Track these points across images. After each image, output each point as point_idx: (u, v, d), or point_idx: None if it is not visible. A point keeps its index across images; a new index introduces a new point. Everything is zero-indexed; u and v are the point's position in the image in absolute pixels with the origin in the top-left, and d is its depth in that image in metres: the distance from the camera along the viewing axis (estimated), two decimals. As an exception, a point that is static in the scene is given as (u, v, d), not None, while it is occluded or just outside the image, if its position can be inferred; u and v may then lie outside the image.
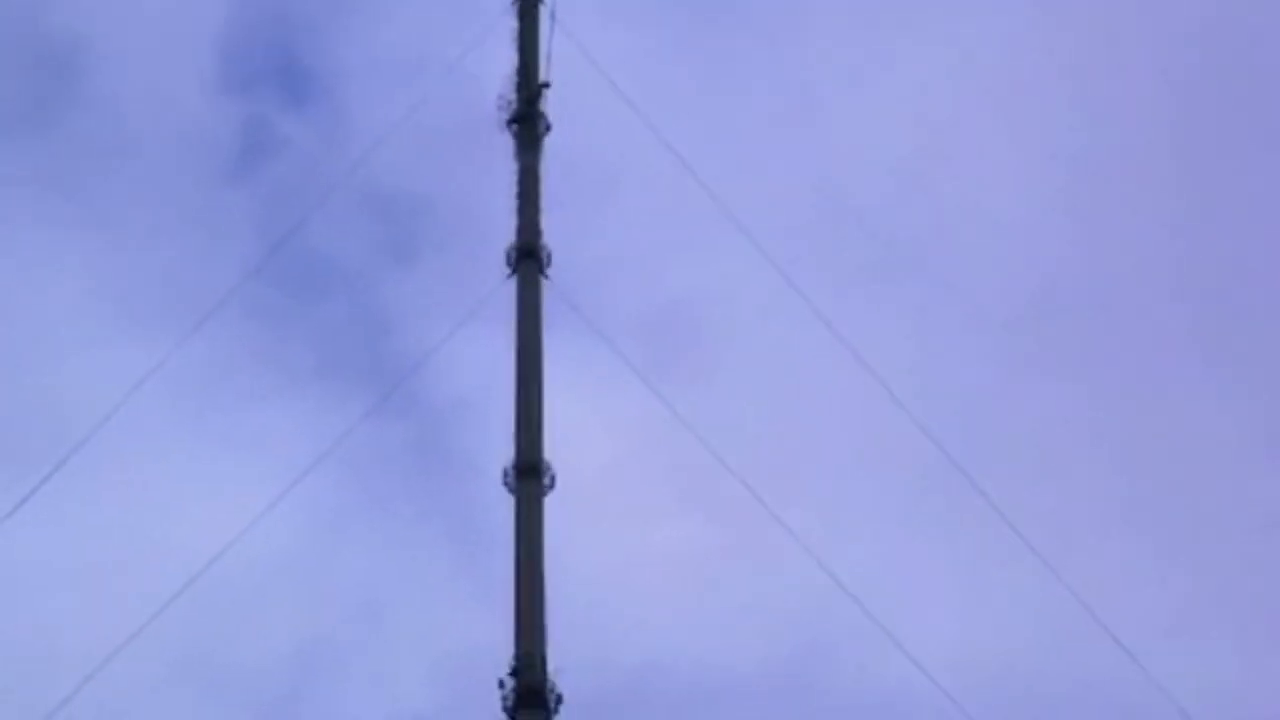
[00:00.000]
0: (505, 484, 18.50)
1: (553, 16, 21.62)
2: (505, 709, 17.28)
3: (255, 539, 20.39)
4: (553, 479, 18.50)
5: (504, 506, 18.61)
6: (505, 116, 21.22)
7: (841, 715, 24.57)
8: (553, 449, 18.87)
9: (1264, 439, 29.67)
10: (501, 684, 17.38)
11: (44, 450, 22.38)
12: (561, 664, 17.59)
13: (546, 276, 19.91)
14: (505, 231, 20.35)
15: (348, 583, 27.97)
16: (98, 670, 18.93)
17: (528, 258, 19.89)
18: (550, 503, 18.54)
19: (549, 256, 20.06)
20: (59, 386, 28.10)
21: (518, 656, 17.48)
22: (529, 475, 18.40)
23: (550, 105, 21.14)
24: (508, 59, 21.64)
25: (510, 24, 21.87)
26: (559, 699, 17.31)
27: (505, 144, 21.09)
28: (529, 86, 21.31)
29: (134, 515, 26.98)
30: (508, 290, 20.02)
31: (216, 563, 20.06)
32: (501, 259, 20.07)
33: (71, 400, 26.49)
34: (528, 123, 21.05)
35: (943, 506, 25.01)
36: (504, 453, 18.86)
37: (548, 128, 21.13)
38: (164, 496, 26.88)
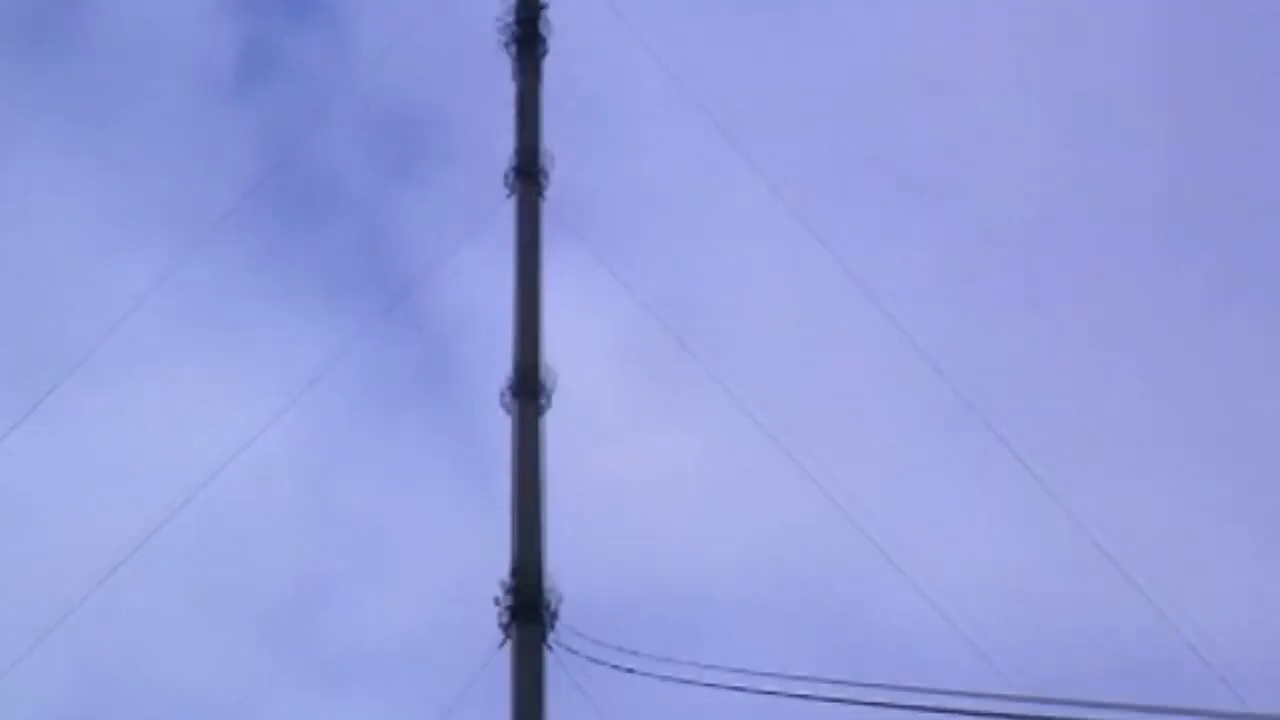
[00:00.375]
0: (502, 402, 18.69)
1: None
2: (501, 624, 17.48)
3: (257, 455, 20.55)
4: (550, 397, 18.67)
5: (506, 424, 18.82)
6: (503, 38, 21.28)
7: (842, 641, 24.69)
8: (551, 368, 19.05)
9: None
10: (497, 600, 17.59)
11: (46, 366, 22.57)
12: (558, 580, 17.81)
13: (544, 197, 20.03)
14: (509, 151, 20.46)
15: (350, 499, 28.10)
16: (99, 585, 19.14)
17: (526, 178, 19.98)
18: (548, 421, 18.74)
19: (547, 178, 20.16)
20: (61, 303, 28.19)
21: (514, 573, 17.68)
22: (526, 393, 18.54)
23: (550, 27, 21.23)
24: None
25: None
26: (554, 614, 17.50)
27: (506, 65, 21.19)
28: (527, 7, 21.35)
29: (136, 431, 27.10)
30: (508, 210, 20.15)
31: (219, 478, 20.24)
32: (502, 179, 20.22)
33: (73, 317, 26.62)
34: (526, 44, 21.09)
35: (949, 435, 25.15)
36: (505, 370, 19.06)
37: (546, 50, 21.18)
38: (165, 412, 26.99)
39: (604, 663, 17.67)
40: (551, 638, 17.41)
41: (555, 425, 18.88)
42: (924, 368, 21.78)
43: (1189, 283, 31.15)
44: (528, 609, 17.42)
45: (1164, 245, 31.75)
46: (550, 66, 21.18)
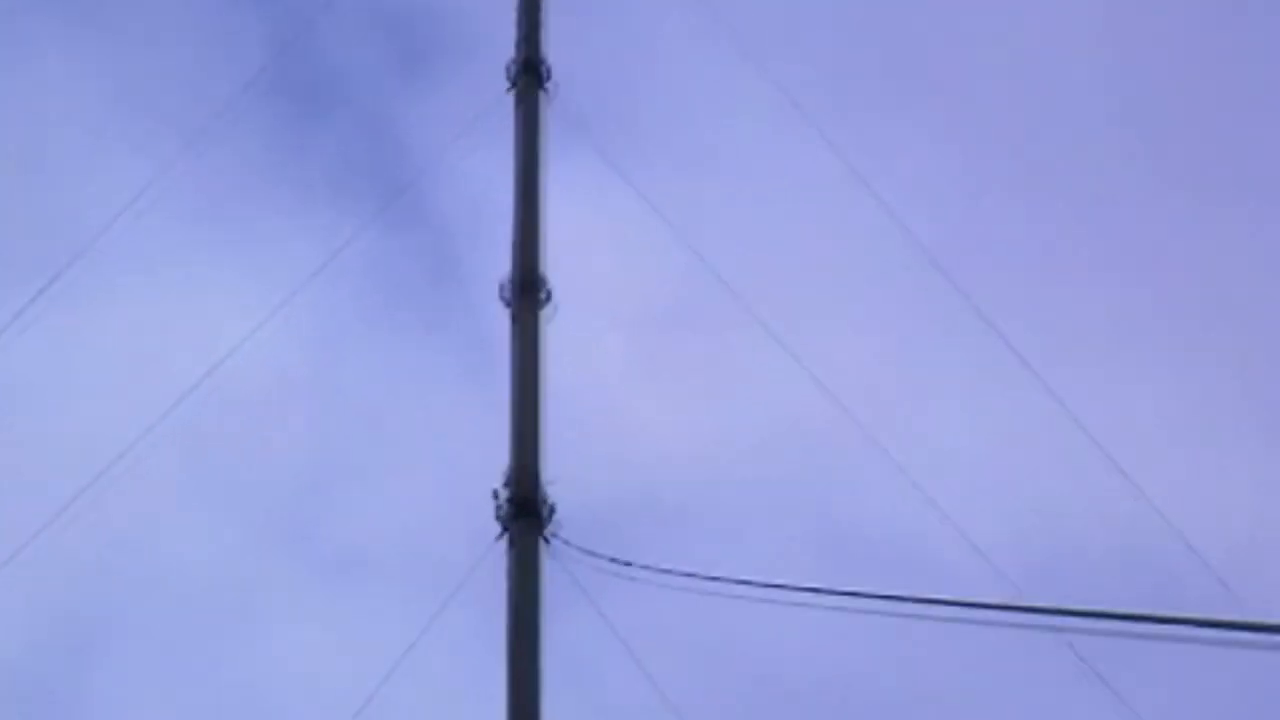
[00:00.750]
0: (502, 298, 18.66)
1: None
2: (499, 519, 17.51)
3: (257, 350, 20.55)
4: (549, 294, 18.63)
5: (506, 321, 18.79)
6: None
7: (839, 536, 24.71)
8: (551, 265, 19.01)
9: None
10: (495, 495, 17.61)
11: (47, 258, 22.51)
12: (557, 477, 17.84)
13: (546, 91, 19.89)
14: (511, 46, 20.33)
15: (351, 395, 28.07)
16: (99, 476, 19.16)
17: (528, 73, 19.85)
18: (548, 318, 18.70)
19: (549, 72, 20.02)
20: (62, 195, 28.08)
21: (512, 469, 17.70)
22: (526, 290, 18.53)
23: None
24: None
25: None
26: (552, 509, 17.54)
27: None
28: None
29: (137, 323, 27.04)
30: (510, 105, 20.03)
31: (220, 372, 20.27)
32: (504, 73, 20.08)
33: (76, 208, 26.52)
34: (528, -66, 20.90)
35: (951, 335, 25.05)
36: (506, 267, 19.00)
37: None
38: (167, 305, 26.94)
39: (601, 556, 17.73)
40: (548, 532, 17.44)
41: (556, 324, 18.89)
42: (926, 267, 21.71)
43: (1196, 182, 30.94)
44: (525, 504, 17.46)
45: (1171, 147, 31.54)
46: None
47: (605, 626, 17.96)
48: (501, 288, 18.72)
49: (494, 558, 17.45)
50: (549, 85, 19.98)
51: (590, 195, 21.94)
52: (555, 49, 20.40)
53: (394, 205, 21.28)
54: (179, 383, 19.88)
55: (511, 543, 17.28)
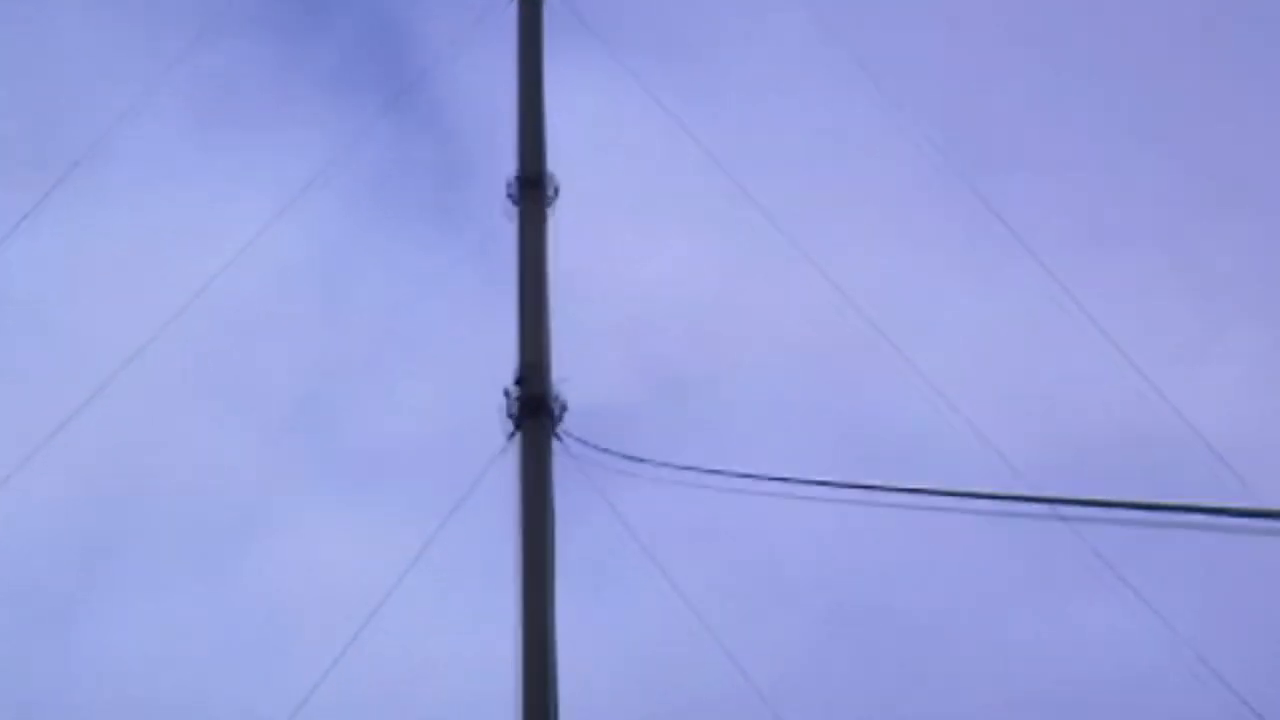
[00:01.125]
0: (509, 195, 18.65)
1: None
2: (510, 416, 17.56)
3: (266, 251, 20.54)
4: (556, 190, 18.62)
5: (514, 220, 18.77)
6: None
7: (852, 432, 24.72)
8: (557, 162, 18.98)
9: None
10: (506, 394, 17.66)
11: (52, 160, 22.47)
12: (567, 375, 17.87)
13: (552, -19, 19.82)
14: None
15: (360, 296, 28.10)
16: (110, 379, 19.19)
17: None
18: (555, 217, 18.69)
19: (555, -36, 19.93)
20: (66, 97, 28.00)
21: (521, 368, 17.75)
22: (531, 187, 18.52)
23: None
24: None
25: None
26: (563, 407, 17.58)
27: None
28: None
29: (144, 225, 27.05)
30: (514, 2, 19.96)
31: (228, 274, 20.29)
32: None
33: (77, 111, 26.45)
34: None
35: (962, 230, 25.02)
36: (512, 165, 18.97)
37: None
38: (173, 207, 26.94)
39: (613, 452, 17.79)
40: (560, 430, 17.50)
41: (563, 221, 18.88)
42: (934, 155, 21.64)
43: (1211, 60, 30.68)
44: (535, 403, 17.50)
45: (1178, 41, 31.30)
46: None
47: (617, 523, 18.09)
48: (508, 185, 18.70)
49: (507, 457, 17.55)
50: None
51: (596, 91, 21.88)
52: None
53: (400, 105, 21.24)
54: (187, 285, 19.88)
55: (523, 441, 17.34)
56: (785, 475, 17.61)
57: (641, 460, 18.07)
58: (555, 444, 17.35)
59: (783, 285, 22.32)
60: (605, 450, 17.68)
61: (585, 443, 17.51)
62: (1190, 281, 28.61)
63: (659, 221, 25.54)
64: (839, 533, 23.13)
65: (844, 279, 19.95)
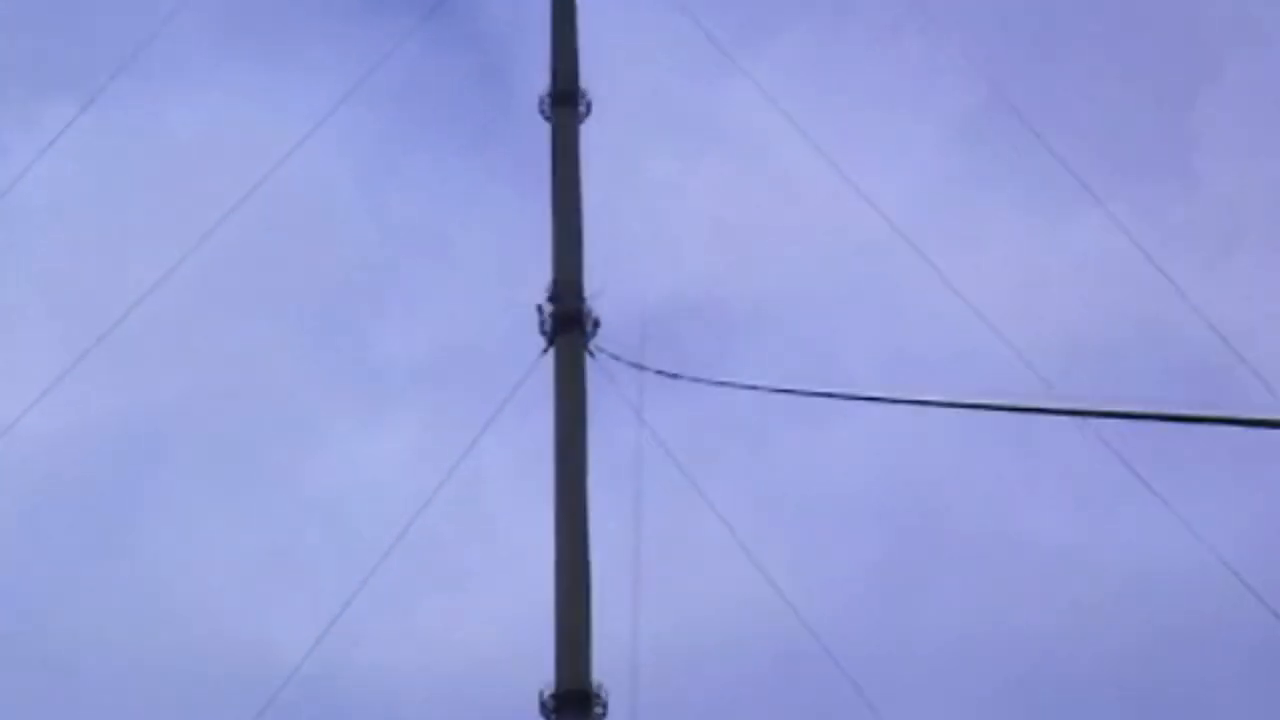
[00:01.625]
0: (541, 111, 18.68)
1: None
2: (543, 332, 17.69)
3: (304, 164, 20.64)
4: (589, 106, 18.62)
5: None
6: None
7: (888, 347, 24.74)
8: (590, 78, 18.99)
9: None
10: (540, 309, 17.80)
11: (82, 74, 22.62)
12: (601, 289, 17.96)
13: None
14: None
15: (397, 210, 28.27)
16: (147, 295, 19.31)
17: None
18: (589, 133, 18.73)
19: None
20: (101, 8, 28.05)
21: (555, 282, 17.88)
22: (564, 102, 18.52)
23: None
24: None
25: None
26: (596, 323, 17.69)
27: None
28: None
29: (178, 138, 27.26)
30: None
31: (268, 185, 20.43)
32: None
33: (114, 24, 26.50)
34: None
35: (986, 141, 25.07)
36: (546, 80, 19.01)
37: None
38: (209, 118, 27.09)
39: (645, 367, 17.92)
40: (593, 345, 17.63)
41: (598, 135, 18.91)
42: (963, 70, 21.62)
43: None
44: (569, 318, 17.62)
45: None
46: None
47: (650, 435, 18.25)
48: (541, 101, 18.73)
49: (541, 371, 17.71)
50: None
51: (630, 8, 21.85)
52: None
53: (436, 19, 21.18)
54: (228, 196, 19.99)
55: (557, 356, 17.50)
56: (816, 389, 17.75)
57: (675, 375, 18.20)
58: (588, 360, 17.51)
59: (814, 199, 22.39)
60: (638, 365, 17.82)
61: (618, 358, 17.64)
62: (1221, 204, 28.65)
63: (694, 139, 25.56)
64: (872, 446, 23.34)
65: (878, 195, 20.03)
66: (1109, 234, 20.09)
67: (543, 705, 16.00)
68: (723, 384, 18.62)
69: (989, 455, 22.79)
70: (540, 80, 18.86)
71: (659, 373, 18.16)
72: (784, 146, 20.37)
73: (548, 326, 17.66)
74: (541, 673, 16.21)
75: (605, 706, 16.04)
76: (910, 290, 21.24)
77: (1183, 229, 26.63)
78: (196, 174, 25.16)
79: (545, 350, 17.66)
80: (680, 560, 18.84)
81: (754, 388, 18.84)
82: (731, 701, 20.87)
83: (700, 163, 25.92)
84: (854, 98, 26.21)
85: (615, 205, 19.76)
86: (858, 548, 23.70)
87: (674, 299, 22.50)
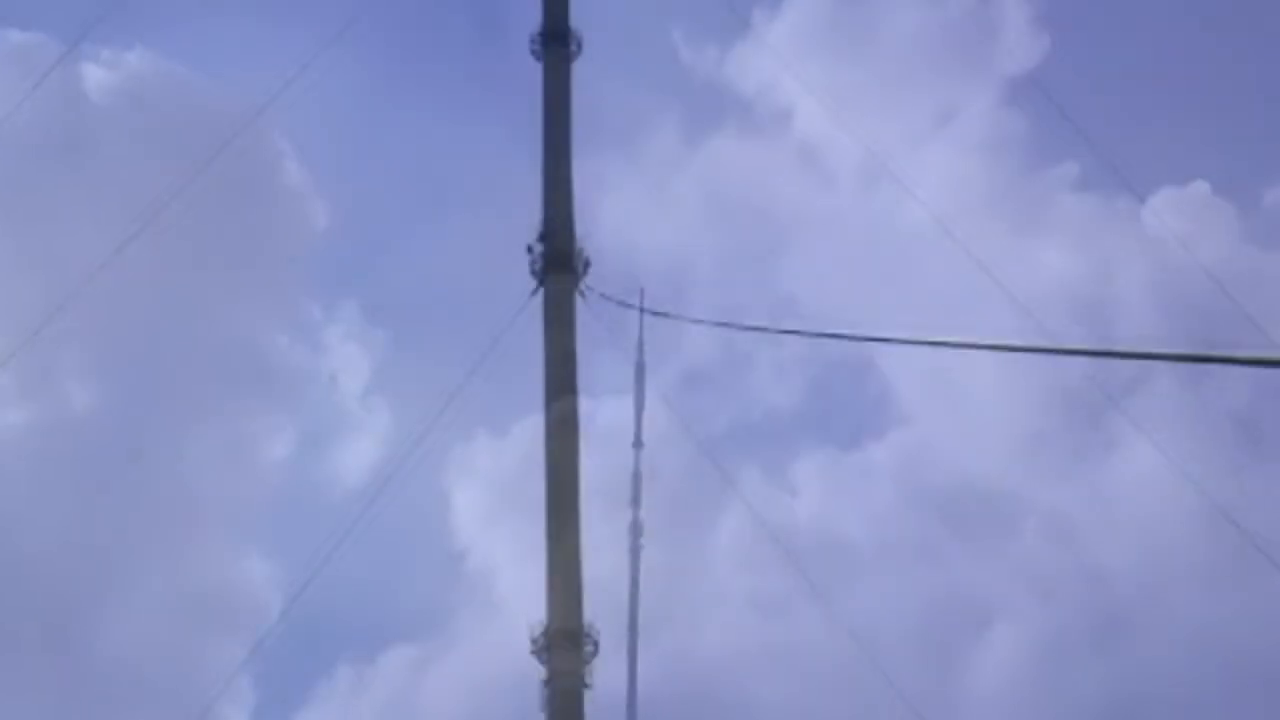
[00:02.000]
0: (532, 50, 18.54)
1: None
2: (534, 272, 17.61)
3: (294, 103, 20.52)
4: (579, 45, 18.46)
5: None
6: None
7: (895, 300, 24.67)
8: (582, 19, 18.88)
9: None
10: (530, 249, 17.71)
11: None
12: (590, 230, 17.87)
13: None
14: None
15: (390, 150, 28.21)
16: (149, 223, 19.10)
17: None
18: (580, 70, 18.59)
19: None
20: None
21: (546, 222, 17.79)
22: (554, 41, 18.37)
23: None
24: None
25: None
26: (586, 263, 17.63)
27: None
28: None
29: (175, 70, 27.28)
30: None
31: (258, 122, 20.41)
32: None
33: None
34: None
35: (998, 102, 25.08)
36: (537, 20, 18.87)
37: None
38: (202, 55, 27.09)
39: (636, 306, 17.91)
40: (583, 285, 17.55)
41: (587, 75, 18.76)
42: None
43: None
44: (559, 258, 17.52)
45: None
46: None
47: (640, 374, 18.25)
48: (532, 40, 18.58)
49: (531, 312, 17.61)
50: None
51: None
52: None
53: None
54: (219, 133, 19.84)
55: (546, 296, 17.43)
56: (811, 329, 17.76)
57: (666, 315, 18.17)
58: (578, 299, 17.42)
59: (814, 153, 22.36)
60: (628, 304, 17.79)
61: (609, 297, 17.59)
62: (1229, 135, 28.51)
63: (687, 85, 25.48)
64: (868, 389, 23.37)
65: (872, 140, 20.04)
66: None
67: (533, 642, 16.14)
68: (721, 325, 18.63)
69: (982, 396, 22.76)
70: (534, 19, 18.74)
71: (648, 311, 18.15)
72: (790, 108, 20.26)
73: (538, 266, 17.60)
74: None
75: (596, 645, 16.17)
76: (916, 243, 21.28)
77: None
78: (183, 110, 25.18)
79: (535, 291, 17.58)
80: (667, 492, 18.93)
81: (754, 329, 18.85)
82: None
83: (695, 105, 25.85)
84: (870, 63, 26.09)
85: (611, 149, 19.67)
86: (844, 485, 23.78)
87: (667, 244, 22.51)
